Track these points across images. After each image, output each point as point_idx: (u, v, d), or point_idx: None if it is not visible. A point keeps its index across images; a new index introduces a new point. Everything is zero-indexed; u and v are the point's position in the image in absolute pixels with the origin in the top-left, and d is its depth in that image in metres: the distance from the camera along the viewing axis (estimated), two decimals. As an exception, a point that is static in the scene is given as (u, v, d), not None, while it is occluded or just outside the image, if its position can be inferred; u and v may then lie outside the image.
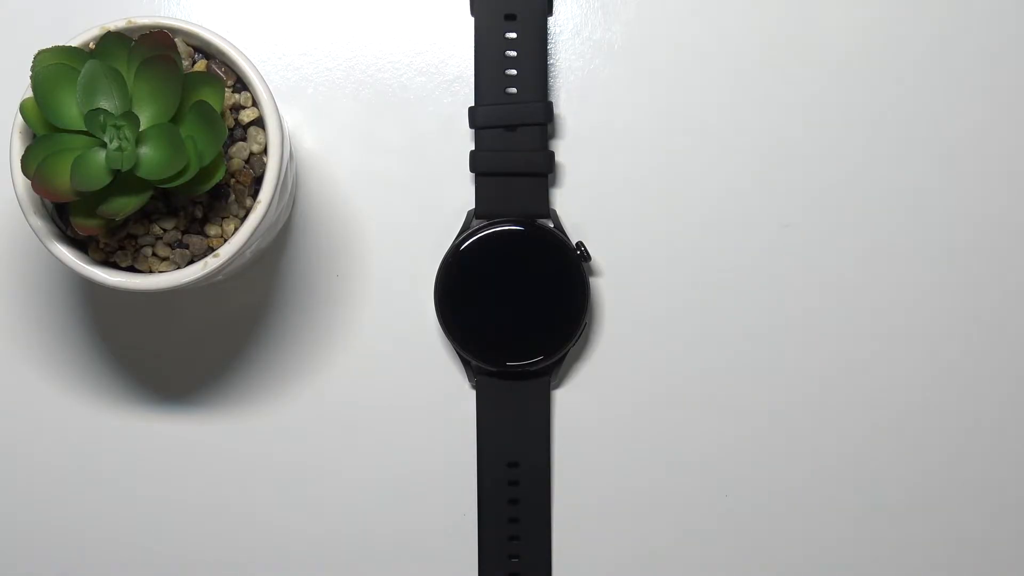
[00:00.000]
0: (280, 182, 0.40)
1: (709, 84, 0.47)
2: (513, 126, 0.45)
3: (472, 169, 0.46)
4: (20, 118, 0.39)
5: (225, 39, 0.41)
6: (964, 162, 0.47)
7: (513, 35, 0.45)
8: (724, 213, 0.47)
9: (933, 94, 0.47)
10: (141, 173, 0.37)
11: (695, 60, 0.47)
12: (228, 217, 0.41)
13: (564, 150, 0.47)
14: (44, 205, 0.40)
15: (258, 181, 0.41)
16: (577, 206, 0.47)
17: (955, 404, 0.47)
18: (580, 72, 0.47)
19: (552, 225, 0.45)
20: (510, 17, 0.45)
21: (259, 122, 0.41)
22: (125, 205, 0.38)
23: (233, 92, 0.41)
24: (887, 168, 0.47)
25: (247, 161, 0.41)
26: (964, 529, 0.47)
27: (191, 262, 0.40)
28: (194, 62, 0.41)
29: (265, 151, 0.41)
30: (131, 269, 0.40)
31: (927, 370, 0.47)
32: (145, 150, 0.38)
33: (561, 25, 0.48)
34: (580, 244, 0.45)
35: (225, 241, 0.40)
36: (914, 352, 0.47)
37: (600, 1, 0.48)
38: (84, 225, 0.38)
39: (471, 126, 0.46)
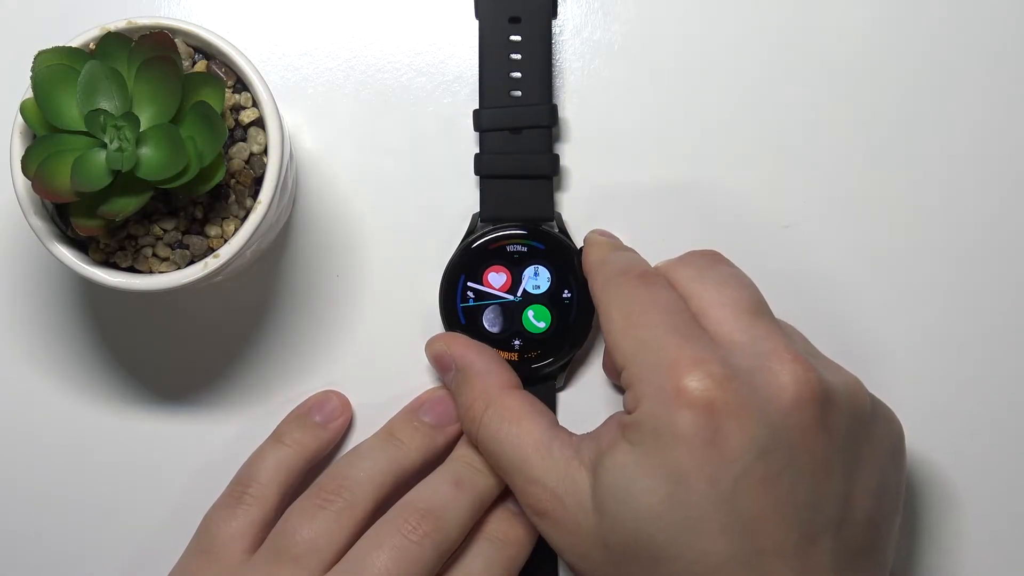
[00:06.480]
0: (280, 182, 0.40)
1: (710, 84, 0.47)
2: (518, 129, 0.45)
3: (477, 172, 0.45)
4: (20, 118, 0.39)
5: (225, 39, 0.41)
6: (968, 163, 0.47)
7: (517, 38, 0.45)
8: (726, 214, 0.47)
9: (937, 95, 0.47)
10: (141, 173, 0.37)
11: (696, 60, 0.47)
12: (228, 217, 0.41)
13: (567, 153, 0.47)
14: (44, 205, 0.40)
15: (258, 181, 0.41)
16: (580, 209, 0.47)
17: (963, 403, 0.47)
18: (580, 72, 0.47)
19: (557, 228, 0.45)
20: (514, 20, 0.45)
21: (259, 122, 0.41)
22: (125, 206, 0.38)
23: (233, 92, 0.41)
24: (889, 169, 0.47)
25: (247, 161, 0.41)
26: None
27: (191, 262, 0.40)
28: (194, 62, 0.41)
29: (265, 151, 0.41)
30: (131, 269, 0.40)
31: (929, 370, 0.47)
32: (145, 151, 0.38)
33: (561, 25, 0.48)
34: (584, 248, 0.45)
35: (225, 241, 0.40)
36: (914, 351, 0.47)
37: (600, 1, 0.48)
38: (84, 225, 0.38)
39: (476, 129, 0.46)
